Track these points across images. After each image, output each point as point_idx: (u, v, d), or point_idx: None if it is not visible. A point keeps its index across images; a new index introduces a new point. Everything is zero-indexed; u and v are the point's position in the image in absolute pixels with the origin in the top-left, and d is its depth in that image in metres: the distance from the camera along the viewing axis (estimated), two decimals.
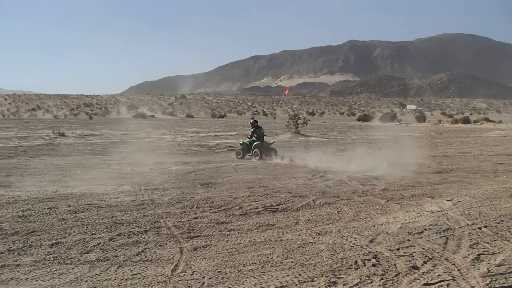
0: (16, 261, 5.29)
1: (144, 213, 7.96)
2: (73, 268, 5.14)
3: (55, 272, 5.00)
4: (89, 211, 8.06)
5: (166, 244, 6.18)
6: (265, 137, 17.11)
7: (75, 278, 4.84)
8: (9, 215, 7.54)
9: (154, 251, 5.87)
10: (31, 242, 6.07)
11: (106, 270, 5.13)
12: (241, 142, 17.38)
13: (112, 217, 7.64)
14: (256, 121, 17.43)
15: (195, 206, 8.52)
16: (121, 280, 4.82)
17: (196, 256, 5.71)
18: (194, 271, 5.13)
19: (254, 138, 16.77)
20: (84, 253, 5.70)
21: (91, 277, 4.88)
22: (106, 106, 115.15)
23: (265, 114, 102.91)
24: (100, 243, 6.16)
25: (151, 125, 48.78)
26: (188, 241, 6.35)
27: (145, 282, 4.77)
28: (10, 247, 5.80)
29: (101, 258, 5.55)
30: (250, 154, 16.66)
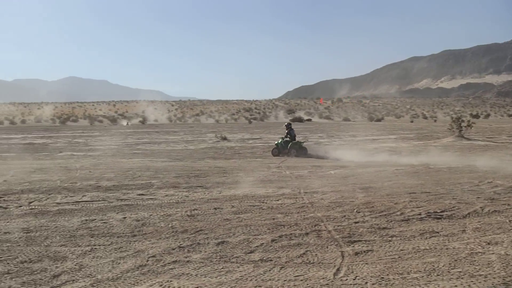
0: (186, 258, 7.04)
1: (304, 216, 9.72)
2: (238, 267, 6.65)
3: (222, 270, 6.54)
4: (252, 212, 10.13)
5: (327, 248, 7.52)
6: (297, 138, 24.70)
7: (241, 276, 6.29)
8: (179, 214, 9.86)
9: (316, 254, 7.20)
10: (199, 240, 7.94)
11: (270, 270, 6.52)
12: (276, 142, 24.98)
13: (273, 218, 9.50)
14: (290, 124, 25.47)
15: (355, 210, 10.15)
16: (284, 281, 6.11)
17: (358, 261, 6.86)
18: (357, 276, 6.23)
19: (287, 139, 24.27)
20: (248, 253, 7.29)
21: (255, 277, 6.28)
22: (264, 111, 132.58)
23: (425, 117, 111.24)
24: (263, 243, 7.77)
25: (308, 129, 56.23)
26: (349, 245, 7.63)
27: (307, 284, 5.97)
28: (180, 244, 7.70)
29: (264, 258, 7.04)
30: (287, 152, 23.74)
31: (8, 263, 6.70)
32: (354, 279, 6.15)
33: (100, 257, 7.03)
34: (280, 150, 24.05)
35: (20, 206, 10.66)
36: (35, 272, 6.34)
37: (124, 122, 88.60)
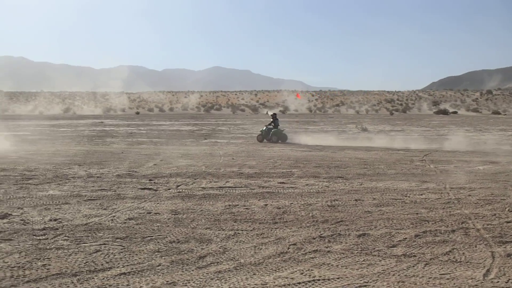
0: (327, 247, 7.04)
1: (450, 212, 9.34)
2: (380, 261, 6.52)
3: (363, 262, 6.45)
4: (394, 205, 9.92)
5: (475, 247, 7.12)
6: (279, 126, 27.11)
7: (383, 270, 6.16)
8: (319, 204, 9.92)
9: (463, 253, 6.85)
10: (340, 231, 7.91)
11: (413, 266, 6.33)
12: (261, 130, 28.27)
13: (417, 213, 9.23)
14: (275, 114, 28.17)
15: (507, 209, 9.55)
16: (429, 278, 5.90)
17: (511, 262, 6.44)
18: (510, 279, 5.86)
19: (271, 127, 27.07)
20: (390, 247, 7.12)
21: (398, 272, 6.12)
22: (407, 102, 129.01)
23: None
24: (405, 238, 7.56)
25: (454, 122, 54.05)
26: (500, 246, 7.18)
27: (454, 284, 5.71)
28: (321, 234, 7.72)
29: (408, 253, 6.84)
30: (269, 138, 26.71)
31: (158, 242, 7.14)
32: (506, 282, 5.79)
33: (242, 242, 7.25)
34: (264, 136, 27.15)
35: (169, 189, 11.34)
36: (183, 252, 6.70)
37: (264, 111, 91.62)
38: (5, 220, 8.26)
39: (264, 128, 27.52)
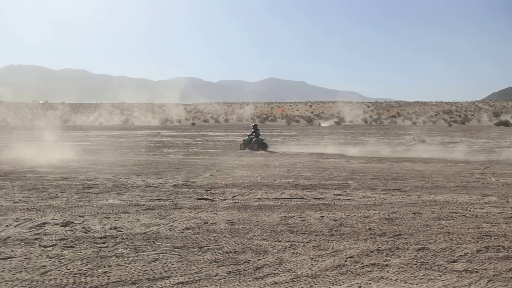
0: (385, 261, 6.91)
1: None
2: (440, 276, 6.35)
3: (423, 277, 6.30)
4: (454, 219, 9.64)
5: None
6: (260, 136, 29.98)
7: (443, 286, 6.00)
8: (376, 216, 9.77)
9: None
10: (398, 244, 7.74)
11: (475, 282, 6.12)
12: (243, 139, 31.06)
13: (478, 228, 8.95)
14: (256, 125, 30.95)
15: None
16: None
17: None
18: None
19: (252, 136, 29.76)
20: (451, 262, 6.92)
21: (459, 287, 5.99)
22: (465, 113, 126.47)
23: None
24: (467, 253, 7.33)
25: None
26: None
27: None
28: (379, 247, 7.59)
29: (469, 269, 6.62)
30: (251, 146, 29.28)
31: (215, 252, 7.20)
32: None
33: (299, 254, 7.22)
34: (246, 145, 29.85)
35: (225, 200, 11.43)
36: (239, 263, 6.72)
37: (317, 123, 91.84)
38: (67, 228, 8.52)
39: (247, 137, 30.44)
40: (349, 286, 5.92)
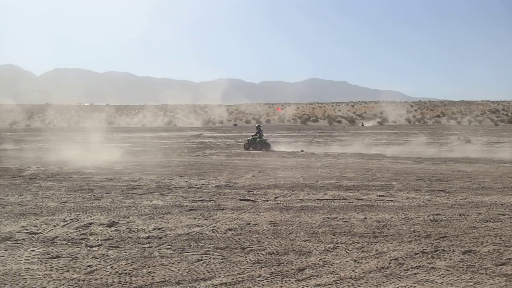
0: (430, 264, 6.81)
1: None
2: (488, 279, 6.21)
3: (470, 280, 6.18)
4: (501, 221, 9.42)
5: None
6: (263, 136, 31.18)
7: None
8: (421, 218, 9.61)
9: None
10: (443, 246, 7.61)
11: None
12: (247, 139, 32.39)
13: None
14: (259, 126, 32.66)
15: None
16: None
17: None
18: None
19: (256, 136, 30.94)
20: (499, 265, 6.76)
21: None
22: None
23: None
24: None
25: None
26: None
27: None
28: (423, 249, 7.47)
29: None
30: (255, 146, 30.59)
31: (257, 253, 7.22)
32: None
33: (342, 255, 7.17)
34: (250, 144, 31.10)
35: (267, 201, 11.44)
36: (282, 264, 6.72)
37: (360, 123, 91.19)
38: (112, 228, 8.69)
39: (250, 137, 31.89)
40: None
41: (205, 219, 9.48)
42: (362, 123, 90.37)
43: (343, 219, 9.58)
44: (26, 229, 8.58)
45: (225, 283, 5.96)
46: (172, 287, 5.84)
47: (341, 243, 7.83)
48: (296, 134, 53.17)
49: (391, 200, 11.61)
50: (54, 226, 8.85)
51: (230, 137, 47.37)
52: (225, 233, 8.44)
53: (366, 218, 9.66)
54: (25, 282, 5.97)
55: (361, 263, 6.82)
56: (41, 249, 7.37)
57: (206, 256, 7.05)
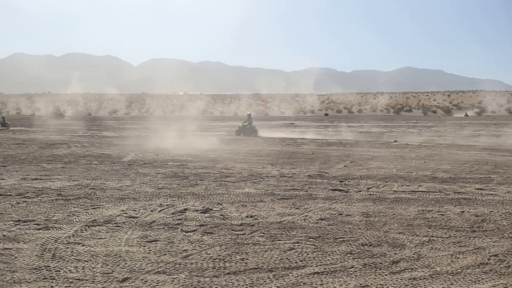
0: None
1: None
2: None
3: None
4: None
5: None
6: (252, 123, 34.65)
7: None
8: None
9: None
10: None
11: None
12: (238, 126, 35.86)
13: None
14: (250, 114, 36.44)
15: None
16: None
17: None
18: None
19: (246, 123, 34.47)
20: None
21: None
22: None
23: None
24: None
25: None
26: None
27: None
28: None
29: None
30: (244, 132, 33.96)
31: (350, 244, 7.15)
32: None
33: (438, 249, 6.93)
34: (241, 131, 34.62)
35: (360, 191, 11.28)
36: (375, 256, 6.61)
37: (462, 114, 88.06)
38: (206, 215, 8.90)
39: (241, 124, 35.44)
40: (493, 286, 5.58)
41: (297, 208, 9.50)
42: (466, 113, 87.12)
43: (439, 212, 9.25)
44: (126, 213, 8.98)
45: (318, 273, 5.95)
46: (265, 274, 5.90)
47: (437, 237, 7.57)
48: (389, 124, 52.00)
49: (491, 194, 11.05)
50: (152, 211, 9.20)
51: (321, 126, 47.14)
52: (317, 222, 8.42)
53: (463, 211, 9.27)
54: (125, 264, 6.25)
55: (458, 258, 6.56)
56: (140, 233, 7.69)
57: (298, 245, 7.06)
